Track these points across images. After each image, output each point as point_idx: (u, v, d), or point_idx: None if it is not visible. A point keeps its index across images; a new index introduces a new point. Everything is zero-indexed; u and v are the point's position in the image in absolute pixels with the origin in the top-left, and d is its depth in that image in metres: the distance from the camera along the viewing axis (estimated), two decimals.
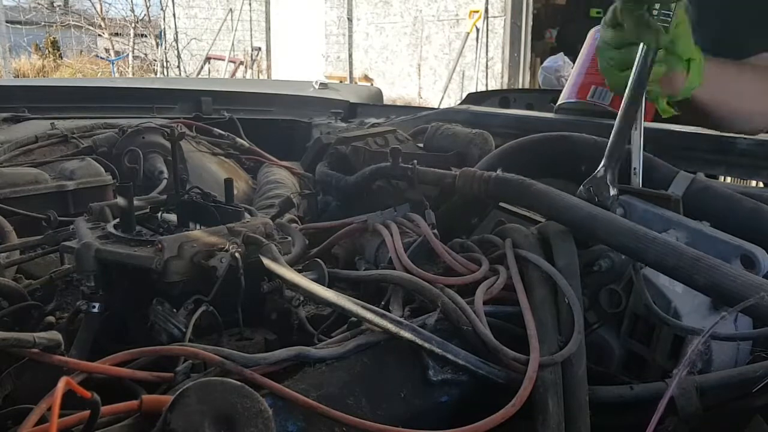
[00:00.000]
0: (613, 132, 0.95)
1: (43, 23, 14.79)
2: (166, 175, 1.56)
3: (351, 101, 2.62)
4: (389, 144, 1.43)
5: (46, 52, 14.87)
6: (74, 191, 1.36)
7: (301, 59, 11.62)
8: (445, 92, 8.88)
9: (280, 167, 1.85)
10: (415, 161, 1.17)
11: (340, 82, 8.82)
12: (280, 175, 1.76)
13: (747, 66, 1.17)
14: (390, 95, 9.31)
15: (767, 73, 1.17)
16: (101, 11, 15.18)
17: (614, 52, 1.01)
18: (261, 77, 12.34)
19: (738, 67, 1.17)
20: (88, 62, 14.91)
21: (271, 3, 12.28)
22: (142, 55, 14.88)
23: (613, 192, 0.93)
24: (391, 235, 0.93)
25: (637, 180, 1.00)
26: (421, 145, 1.51)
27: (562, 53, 6.09)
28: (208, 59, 12.51)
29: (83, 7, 15.94)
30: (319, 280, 0.83)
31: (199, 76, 11.95)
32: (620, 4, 0.98)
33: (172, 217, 0.94)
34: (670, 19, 0.95)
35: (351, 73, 10.76)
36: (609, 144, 0.95)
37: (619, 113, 0.95)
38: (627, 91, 0.95)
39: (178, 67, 12.96)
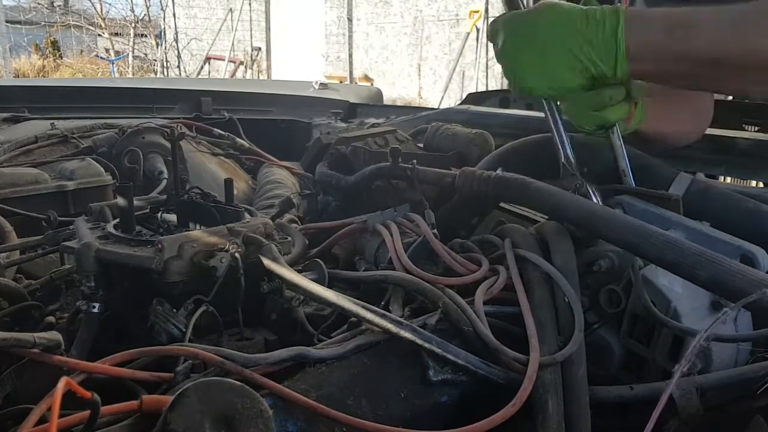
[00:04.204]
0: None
1: (43, 23, 14.78)
2: (166, 175, 1.56)
3: (351, 101, 2.63)
4: (389, 144, 1.43)
5: (46, 52, 14.87)
6: (74, 191, 1.36)
7: (301, 59, 11.62)
8: (445, 92, 8.89)
9: (280, 167, 1.85)
10: (415, 161, 1.17)
11: (340, 82, 8.82)
12: (280, 175, 1.76)
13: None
14: (390, 95, 9.32)
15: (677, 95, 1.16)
16: (101, 11, 15.17)
17: (584, 94, 0.99)
18: (261, 77, 12.35)
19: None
20: (88, 62, 14.91)
21: (271, 3, 12.29)
22: (142, 55, 14.88)
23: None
24: (391, 235, 0.93)
25: (629, 180, 1.00)
26: (421, 145, 1.51)
27: None
28: (208, 59, 12.52)
29: (83, 7, 15.94)
30: (319, 280, 0.83)
31: (199, 76, 11.96)
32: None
33: (172, 217, 0.94)
34: None
35: (351, 73, 10.77)
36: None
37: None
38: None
39: (178, 67, 12.97)
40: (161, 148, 1.64)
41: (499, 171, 1.01)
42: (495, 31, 0.95)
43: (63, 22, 15.14)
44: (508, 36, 0.92)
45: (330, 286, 0.81)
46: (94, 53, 15.39)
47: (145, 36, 14.90)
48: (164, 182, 1.52)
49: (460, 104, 2.41)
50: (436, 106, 5.39)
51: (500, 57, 0.95)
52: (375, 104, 2.81)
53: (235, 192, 1.01)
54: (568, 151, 1.02)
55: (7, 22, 11.80)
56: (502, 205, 1.24)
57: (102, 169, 1.44)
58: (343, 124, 2.20)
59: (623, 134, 1.03)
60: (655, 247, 0.74)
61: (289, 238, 0.90)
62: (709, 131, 1.27)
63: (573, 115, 1.04)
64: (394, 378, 0.71)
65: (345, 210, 1.35)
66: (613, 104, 0.99)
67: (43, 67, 14.08)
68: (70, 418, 0.54)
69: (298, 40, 11.75)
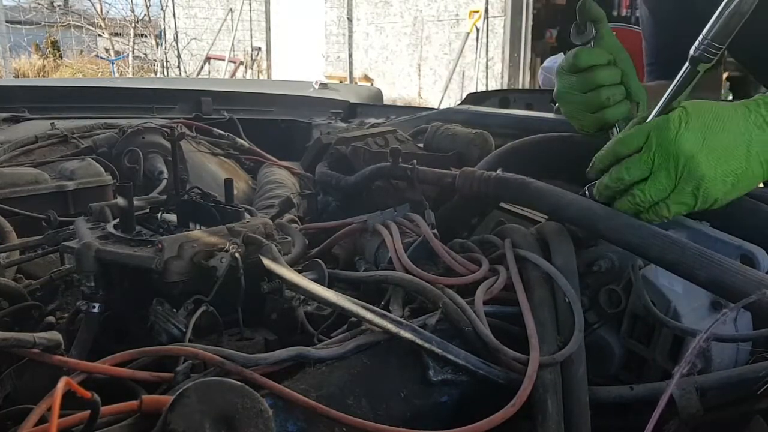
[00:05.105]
0: None
1: (43, 23, 14.76)
2: (166, 175, 1.56)
3: (351, 101, 2.62)
4: (389, 144, 1.43)
5: (46, 52, 14.86)
6: (74, 191, 1.36)
7: (301, 59, 11.61)
8: (445, 92, 8.88)
9: (280, 167, 1.85)
10: (415, 161, 1.17)
11: (340, 82, 8.82)
12: (280, 175, 1.76)
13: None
14: (390, 95, 9.30)
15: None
16: (101, 11, 15.15)
17: (582, 97, 1.00)
18: (261, 77, 12.34)
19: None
20: (88, 62, 14.89)
21: (271, 3, 12.27)
22: (142, 55, 14.86)
23: None
24: (391, 235, 0.93)
25: None
26: (421, 145, 1.51)
27: (562, 53, 6.07)
28: (208, 59, 12.51)
29: (83, 7, 15.91)
30: (319, 280, 0.83)
31: (199, 76, 11.95)
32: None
33: (172, 217, 0.94)
34: None
35: (351, 73, 10.75)
36: None
37: None
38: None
39: (178, 67, 12.96)
40: (161, 148, 1.64)
41: (499, 171, 1.01)
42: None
43: (63, 22, 15.11)
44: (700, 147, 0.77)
45: (330, 286, 0.81)
46: (94, 53, 15.37)
47: (145, 36, 14.87)
48: (164, 182, 1.52)
49: (460, 104, 2.41)
50: (436, 106, 5.39)
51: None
52: (375, 104, 2.80)
53: (235, 192, 1.01)
54: None
55: (7, 22, 11.78)
56: (502, 205, 1.24)
57: (102, 169, 1.44)
58: (343, 124, 2.20)
59: None
60: (656, 247, 0.74)
61: (289, 238, 0.90)
62: None
63: (572, 117, 1.04)
64: (394, 378, 0.71)
65: (345, 210, 1.35)
66: (611, 104, 0.99)
67: (43, 67, 14.06)
68: (70, 418, 0.54)
69: (298, 40, 11.73)
